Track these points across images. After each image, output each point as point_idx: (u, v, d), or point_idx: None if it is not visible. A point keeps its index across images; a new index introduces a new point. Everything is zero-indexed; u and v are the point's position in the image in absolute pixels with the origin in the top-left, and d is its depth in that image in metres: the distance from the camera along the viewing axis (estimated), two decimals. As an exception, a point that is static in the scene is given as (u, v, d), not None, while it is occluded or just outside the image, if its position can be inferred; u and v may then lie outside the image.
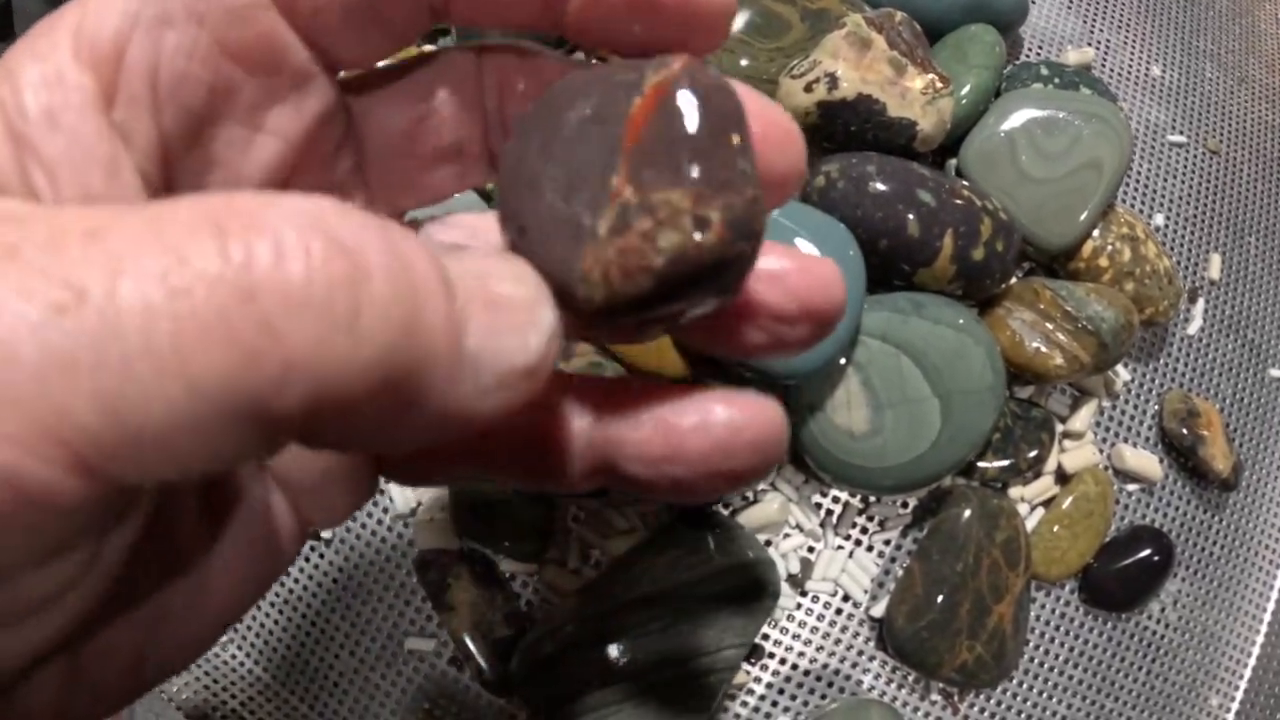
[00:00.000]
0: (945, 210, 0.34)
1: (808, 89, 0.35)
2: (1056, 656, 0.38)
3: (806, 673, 0.36)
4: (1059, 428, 0.39)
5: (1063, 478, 0.38)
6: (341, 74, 0.15)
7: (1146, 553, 0.38)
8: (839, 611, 0.36)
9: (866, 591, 0.36)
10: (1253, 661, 0.41)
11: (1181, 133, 0.45)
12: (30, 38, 0.12)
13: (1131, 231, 0.39)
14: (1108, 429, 0.40)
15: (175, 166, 0.13)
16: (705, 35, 0.14)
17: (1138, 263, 0.39)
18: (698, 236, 0.11)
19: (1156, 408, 0.41)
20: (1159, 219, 0.43)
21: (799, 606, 0.36)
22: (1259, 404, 0.43)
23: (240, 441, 0.09)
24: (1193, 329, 0.42)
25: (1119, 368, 0.40)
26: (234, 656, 0.38)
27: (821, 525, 0.36)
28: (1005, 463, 0.36)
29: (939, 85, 0.36)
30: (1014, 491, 0.37)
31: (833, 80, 0.35)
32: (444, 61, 0.15)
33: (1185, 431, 0.40)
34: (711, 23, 0.13)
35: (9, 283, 0.08)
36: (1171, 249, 0.43)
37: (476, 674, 0.35)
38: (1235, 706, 0.40)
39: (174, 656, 0.14)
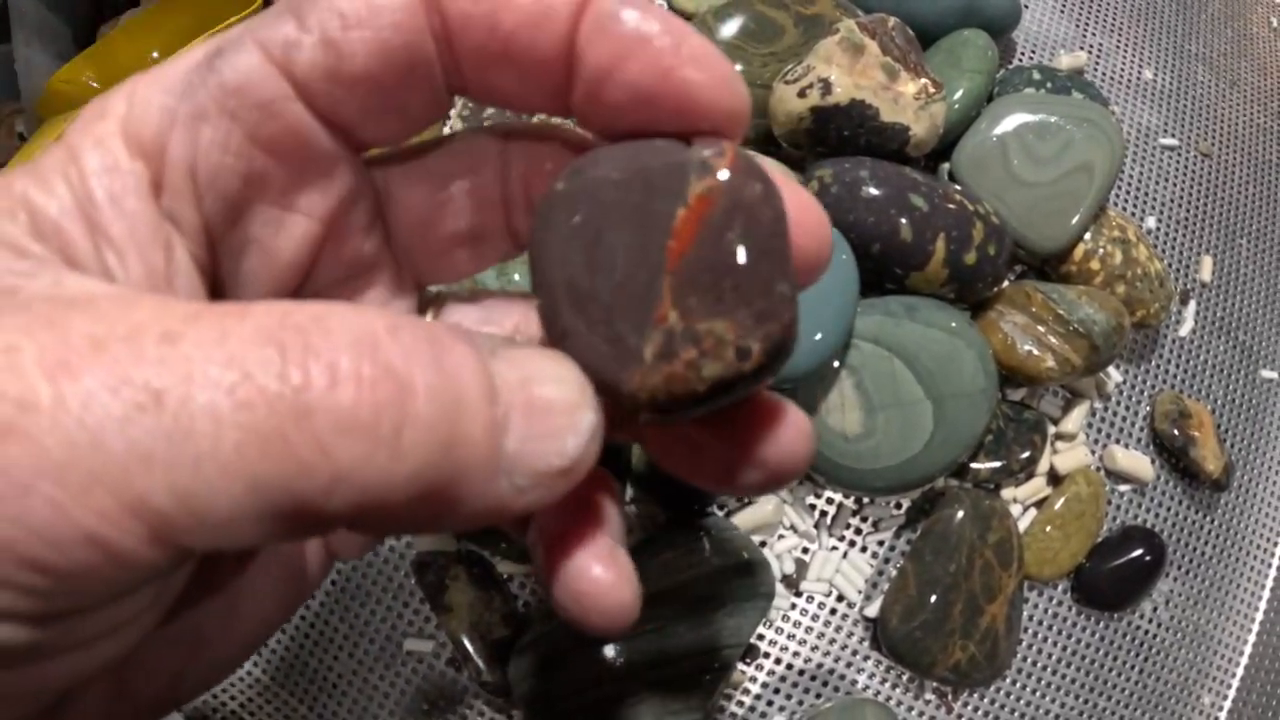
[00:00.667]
0: (937, 214, 0.34)
1: (801, 94, 0.35)
2: (1049, 656, 0.38)
3: (801, 672, 0.36)
4: (1051, 429, 0.39)
5: (1055, 479, 0.39)
6: (369, 153, 0.15)
7: (1138, 553, 0.39)
8: (833, 612, 0.36)
9: (860, 592, 0.36)
10: (1245, 660, 0.41)
11: (1173, 136, 0.45)
12: (87, 120, 0.12)
13: (1123, 234, 0.39)
14: (1100, 430, 0.40)
15: (217, 247, 0.13)
16: (717, 127, 0.13)
17: (1129, 265, 0.39)
18: (739, 365, 0.12)
19: (1148, 409, 0.41)
20: (1151, 221, 0.43)
21: (794, 607, 0.36)
22: (1250, 405, 0.43)
23: (294, 530, 0.10)
24: (1184, 331, 0.42)
25: (1110, 370, 0.40)
26: (234, 658, 0.39)
27: (816, 526, 0.36)
28: (997, 464, 0.36)
29: (931, 90, 0.36)
30: (1006, 493, 0.38)
31: (826, 86, 0.35)
32: (466, 146, 0.15)
33: (1176, 433, 0.40)
34: (722, 120, 0.13)
35: (98, 378, 0.09)
36: (1163, 251, 0.43)
37: (475, 675, 0.35)
38: (1228, 705, 0.40)
39: (207, 675, 0.15)
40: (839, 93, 0.35)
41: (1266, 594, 0.42)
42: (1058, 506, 0.37)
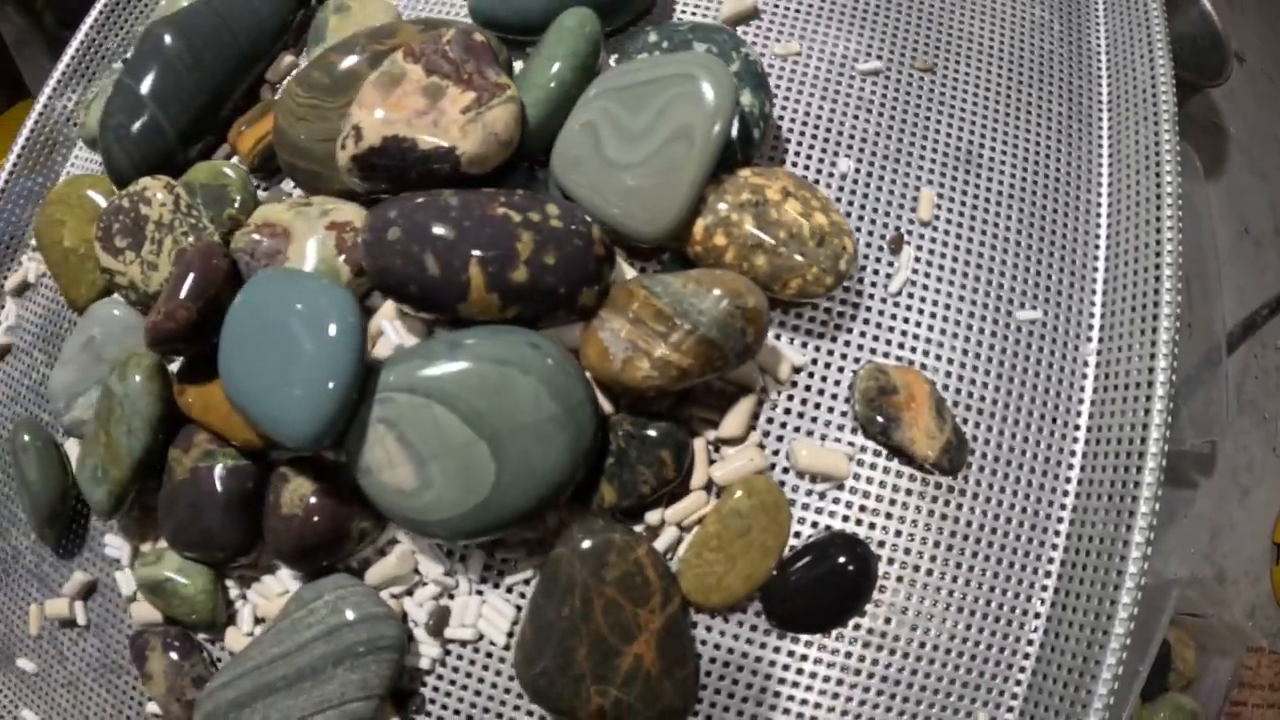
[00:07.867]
0: (465, 239, 0.29)
1: (342, 146, 0.32)
2: (749, 687, 0.32)
3: (469, 718, 0.33)
4: (710, 435, 0.32)
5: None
6: None
7: (840, 561, 0.31)
8: (490, 655, 0.33)
9: (510, 634, 0.32)
10: (1030, 665, 0.31)
11: (878, 58, 0.35)
12: None
13: (758, 196, 0.32)
14: (785, 425, 0.33)
15: None
16: None
17: (768, 230, 0.31)
18: None
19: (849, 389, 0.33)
20: (845, 164, 0.34)
21: (449, 654, 0.33)
22: (1005, 354, 0.33)
23: None
24: (896, 285, 0.33)
25: (786, 351, 0.33)
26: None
27: (451, 572, 0.33)
28: (621, 489, 0.31)
29: (487, 97, 0.32)
30: (654, 515, 0.32)
31: (357, 132, 0.31)
32: None
33: (878, 416, 0.31)
34: None
35: None
36: (864, 195, 0.34)
37: (184, 737, 0.36)
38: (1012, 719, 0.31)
39: None
40: (368, 135, 0.31)
41: (1052, 582, 0.32)
42: (711, 527, 0.31)
